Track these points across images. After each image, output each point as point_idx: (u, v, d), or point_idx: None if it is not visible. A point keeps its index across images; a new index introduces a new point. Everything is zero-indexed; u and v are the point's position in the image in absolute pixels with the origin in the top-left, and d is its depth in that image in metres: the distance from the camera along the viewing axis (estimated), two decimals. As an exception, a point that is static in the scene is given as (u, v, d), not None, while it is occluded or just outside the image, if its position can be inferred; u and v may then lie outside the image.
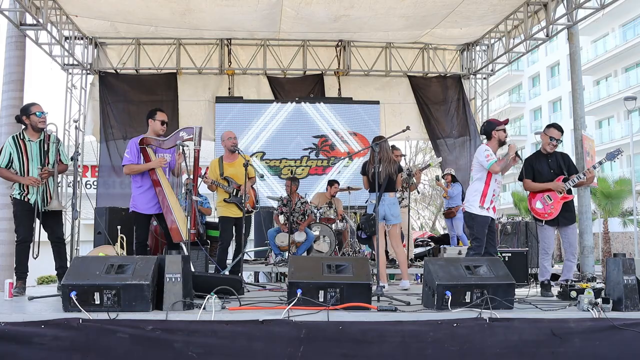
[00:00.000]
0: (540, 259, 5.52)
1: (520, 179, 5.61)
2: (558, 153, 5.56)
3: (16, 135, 5.02)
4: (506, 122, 5.57)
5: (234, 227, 6.13)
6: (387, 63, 10.29)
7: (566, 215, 5.38)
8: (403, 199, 7.71)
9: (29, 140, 5.01)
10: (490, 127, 5.52)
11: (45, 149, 5.03)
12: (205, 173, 6.26)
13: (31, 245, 5.01)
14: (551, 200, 5.35)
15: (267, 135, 9.93)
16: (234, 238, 6.24)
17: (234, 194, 6.10)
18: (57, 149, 5.10)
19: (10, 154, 4.94)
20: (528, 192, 5.55)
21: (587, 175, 5.34)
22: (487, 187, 5.36)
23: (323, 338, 3.64)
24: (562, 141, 5.52)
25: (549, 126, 5.58)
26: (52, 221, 5.09)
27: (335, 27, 9.17)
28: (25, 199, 4.96)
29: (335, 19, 8.77)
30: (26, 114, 5.02)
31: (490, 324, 3.76)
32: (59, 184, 4.99)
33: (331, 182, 8.81)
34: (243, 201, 5.86)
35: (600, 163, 5.65)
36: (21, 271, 4.99)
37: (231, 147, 6.14)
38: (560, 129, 5.53)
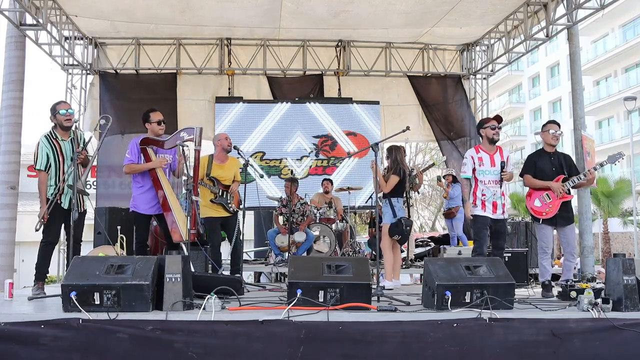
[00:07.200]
0: (539, 259, 5.48)
1: (522, 175, 5.55)
2: (560, 153, 5.53)
3: (48, 134, 4.92)
4: (496, 118, 5.44)
5: (220, 226, 6.10)
6: (387, 63, 10.28)
7: (564, 215, 5.33)
8: (408, 198, 7.70)
9: (62, 140, 4.94)
10: (479, 126, 5.51)
11: (76, 148, 4.93)
12: None
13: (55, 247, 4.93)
14: (550, 199, 5.30)
15: (266, 135, 9.92)
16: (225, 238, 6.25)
17: (220, 194, 6.02)
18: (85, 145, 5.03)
19: (47, 154, 4.85)
20: (527, 190, 5.50)
21: (587, 177, 5.29)
22: (476, 187, 5.36)
23: (323, 338, 3.64)
24: (562, 133, 5.49)
25: (545, 124, 5.55)
26: (78, 221, 4.94)
27: (335, 24, 9.17)
28: (58, 200, 4.87)
29: (335, 14, 8.78)
30: (52, 113, 4.95)
31: (490, 324, 3.76)
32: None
33: (323, 180, 9.06)
34: (228, 202, 5.90)
35: (602, 165, 5.60)
36: (43, 272, 4.93)
37: (227, 147, 6.11)
38: (556, 122, 5.53)
